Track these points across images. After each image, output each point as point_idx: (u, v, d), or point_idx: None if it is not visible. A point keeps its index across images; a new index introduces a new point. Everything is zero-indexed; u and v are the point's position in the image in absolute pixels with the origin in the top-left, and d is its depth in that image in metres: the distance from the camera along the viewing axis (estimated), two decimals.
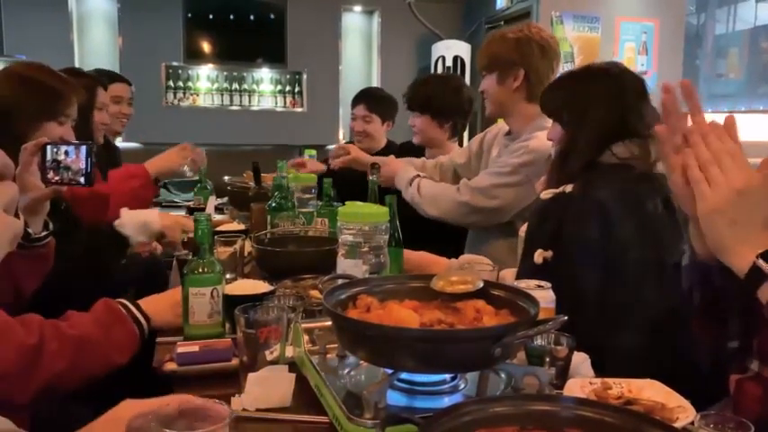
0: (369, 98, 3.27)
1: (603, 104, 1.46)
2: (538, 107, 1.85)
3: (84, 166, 1.32)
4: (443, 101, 2.71)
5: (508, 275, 1.50)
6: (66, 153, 1.33)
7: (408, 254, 1.73)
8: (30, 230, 1.31)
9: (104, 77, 3.06)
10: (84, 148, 1.33)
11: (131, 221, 1.82)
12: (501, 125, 2.27)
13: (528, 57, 2.00)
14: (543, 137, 1.79)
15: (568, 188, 1.40)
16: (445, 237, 2.21)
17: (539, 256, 1.39)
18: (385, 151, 3.12)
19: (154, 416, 0.71)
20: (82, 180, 1.33)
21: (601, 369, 1.08)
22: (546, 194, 1.45)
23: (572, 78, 1.59)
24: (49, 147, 1.33)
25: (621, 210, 1.35)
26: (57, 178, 1.33)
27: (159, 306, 1.31)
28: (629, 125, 1.44)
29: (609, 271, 1.34)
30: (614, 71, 1.51)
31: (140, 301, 1.29)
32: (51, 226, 1.40)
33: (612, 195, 1.36)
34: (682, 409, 0.90)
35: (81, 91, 1.76)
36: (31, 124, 1.60)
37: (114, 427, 0.81)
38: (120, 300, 1.24)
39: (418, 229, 1.94)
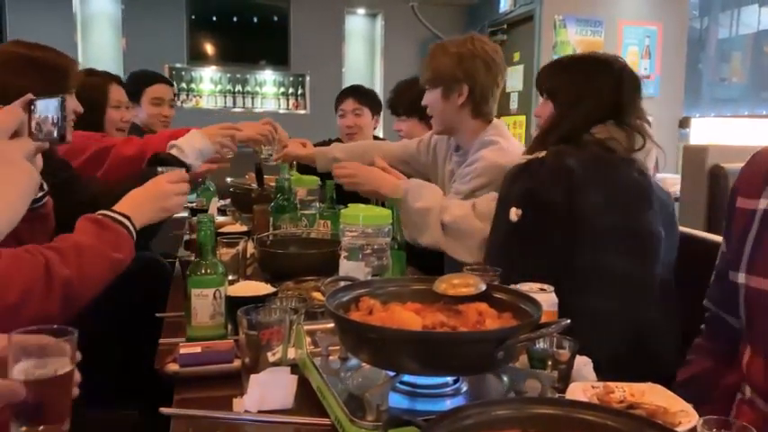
0: (356, 92, 3.22)
1: (600, 95, 1.52)
2: (483, 122, 1.99)
3: (57, 120, 1.30)
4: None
5: None
6: (39, 108, 1.33)
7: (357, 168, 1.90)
8: None
9: (143, 78, 3.04)
10: (54, 101, 1.32)
11: (191, 149, 1.88)
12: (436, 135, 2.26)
13: (472, 73, 1.94)
14: (489, 155, 1.88)
15: (541, 154, 1.48)
16: None
17: (514, 213, 1.45)
18: None
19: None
20: (55, 134, 1.32)
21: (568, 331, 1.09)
22: (521, 159, 1.53)
23: (575, 64, 1.65)
24: (34, 102, 1.33)
25: (589, 176, 1.40)
26: (38, 134, 1.33)
27: (136, 203, 1.35)
28: (617, 111, 1.51)
29: (573, 234, 1.39)
30: (617, 65, 1.57)
31: (118, 204, 1.33)
32: (45, 186, 1.40)
33: (581, 163, 1.42)
34: (684, 414, 0.90)
35: (76, 62, 1.79)
36: None
37: None
38: (98, 212, 1.29)
39: None
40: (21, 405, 0.70)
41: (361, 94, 3.19)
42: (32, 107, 1.26)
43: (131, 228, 1.31)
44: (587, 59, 1.64)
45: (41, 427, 0.74)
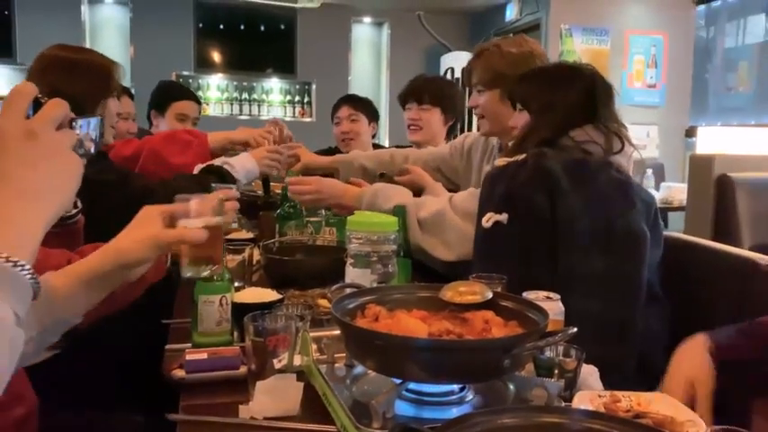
0: (351, 99, 3.20)
1: (572, 96, 1.54)
2: None
3: (95, 138, 1.35)
4: (455, 98, 2.74)
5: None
6: (81, 126, 1.37)
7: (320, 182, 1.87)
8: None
9: (172, 91, 3.04)
10: (93, 120, 1.36)
11: (242, 168, 1.98)
12: (471, 137, 2.24)
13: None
14: None
15: (520, 157, 1.48)
16: None
17: (487, 220, 1.45)
18: None
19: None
20: (92, 150, 1.36)
21: None
22: (500, 162, 1.53)
23: (545, 73, 1.69)
24: (75, 120, 1.36)
25: (570, 179, 1.40)
26: (78, 150, 1.36)
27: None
28: (593, 113, 1.52)
29: (555, 237, 1.39)
30: (587, 71, 1.60)
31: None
32: (79, 204, 1.41)
33: (562, 166, 1.42)
34: (692, 423, 0.89)
35: (118, 64, 1.81)
36: (97, 106, 1.67)
37: (146, 222, 1.01)
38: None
39: None
40: (197, 249, 1.03)
41: (356, 101, 3.18)
42: (73, 125, 1.31)
43: None
44: (557, 68, 1.69)
45: (214, 266, 1.11)
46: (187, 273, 1.08)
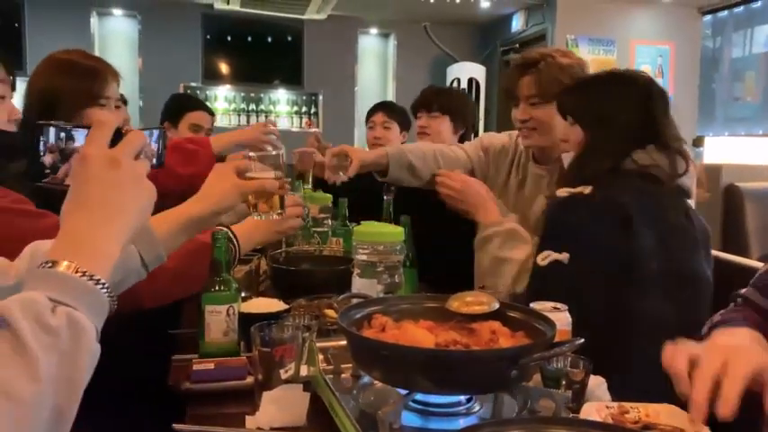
0: (386, 107, 3.26)
1: (630, 109, 1.45)
2: None
3: (158, 149, 1.39)
4: (466, 108, 2.76)
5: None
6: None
7: None
8: None
9: (186, 102, 3.05)
10: (156, 132, 1.42)
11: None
12: (497, 139, 2.11)
13: None
14: None
15: (586, 190, 1.37)
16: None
17: (543, 258, 1.37)
18: None
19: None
20: (155, 161, 1.40)
21: (600, 369, 1.06)
22: (562, 193, 1.41)
23: (598, 81, 1.58)
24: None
25: (643, 218, 1.33)
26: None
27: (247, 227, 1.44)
28: (654, 132, 1.43)
29: (624, 278, 1.32)
30: (642, 78, 1.51)
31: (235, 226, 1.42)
32: None
33: (634, 202, 1.33)
34: None
35: (117, 72, 1.70)
36: (73, 113, 1.54)
37: (223, 177, 1.20)
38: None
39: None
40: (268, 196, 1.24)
41: (390, 109, 3.24)
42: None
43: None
44: (610, 76, 1.57)
45: (280, 211, 1.28)
46: (259, 217, 1.29)
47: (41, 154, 0.77)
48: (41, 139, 0.77)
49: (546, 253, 1.37)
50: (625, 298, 1.32)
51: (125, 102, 2.95)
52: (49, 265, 0.62)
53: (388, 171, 1.99)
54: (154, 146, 1.41)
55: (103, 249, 0.66)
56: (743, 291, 1.18)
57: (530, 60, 1.86)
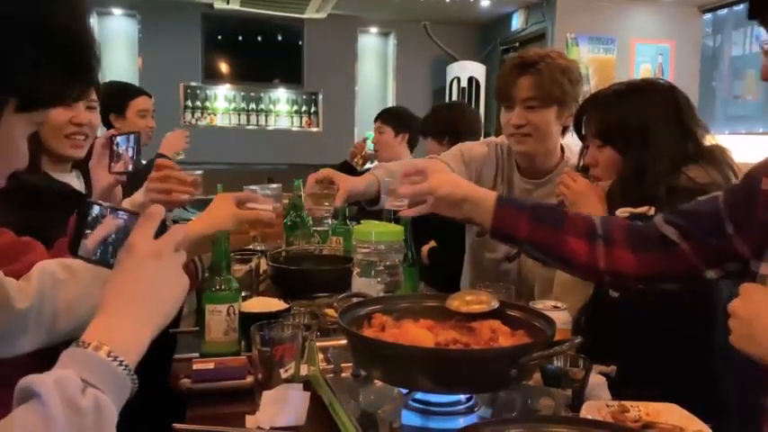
0: (383, 113, 3.51)
1: (663, 124, 1.39)
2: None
3: (132, 155, 1.41)
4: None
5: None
6: (118, 143, 1.42)
7: None
8: None
9: (126, 90, 3.07)
10: (132, 137, 1.43)
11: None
12: (476, 151, 1.92)
13: (579, 89, 1.79)
14: None
15: (651, 211, 1.30)
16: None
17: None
18: None
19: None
20: (130, 168, 1.41)
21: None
22: (622, 213, 1.33)
23: (621, 97, 1.47)
24: (115, 137, 1.44)
25: None
26: (117, 168, 1.41)
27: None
28: (694, 142, 1.39)
29: (694, 304, 1.26)
30: (663, 85, 1.46)
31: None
32: None
33: None
34: None
35: None
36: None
37: (223, 205, 1.31)
38: None
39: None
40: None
41: (383, 114, 3.50)
42: (113, 141, 1.37)
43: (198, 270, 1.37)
44: (630, 90, 1.47)
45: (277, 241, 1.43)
46: (257, 247, 1.41)
47: (85, 230, 0.82)
48: (88, 213, 0.82)
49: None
50: (695, 321, 1.28)
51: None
52: (86, 346, 0.65)
53: (380, 200, 1.81)
54: (129, 151, 1.42)
55: (137, 340, 0.70)
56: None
57: (528, 61, 1.74)
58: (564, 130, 1.82)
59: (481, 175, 1.90)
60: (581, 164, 1.58)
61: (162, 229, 0.78)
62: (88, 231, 0.82)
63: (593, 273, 1.12)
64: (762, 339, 0.79)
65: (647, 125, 1.39)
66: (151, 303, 0.73)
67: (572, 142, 1.82)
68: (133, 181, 1.56)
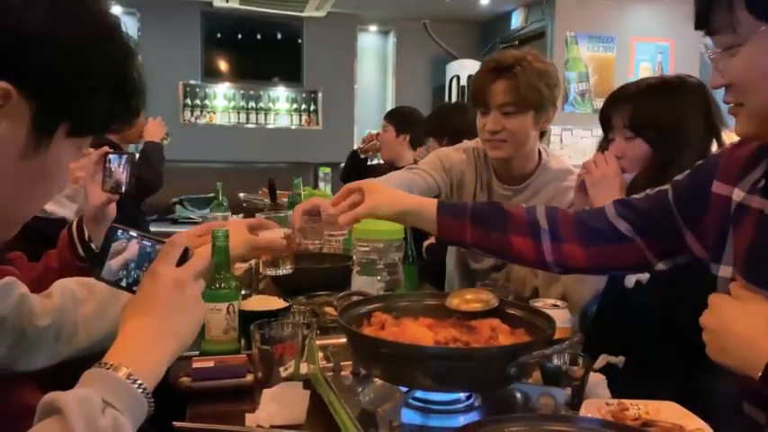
0: (390, 112, 3.64)
1: (694, 121, 1.40)
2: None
3: (125, 175, 1.40)
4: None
5: None
6: (111, 161, 1.42)
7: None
8: (93, 245, 1.34)
9: None
10: (125, 157, 1.42)
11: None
12: (455, 157, 1.87)
13: (557, 92, 1.75)
14: (563, 166, 1.79)
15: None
16: None
17: (629, 278, 1.30)
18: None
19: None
20: (123, 189, 1.41)
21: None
22: None
23: (655, 91, 1.47)
24: (108, 155, 1.43)
25: None
26: (109, 185, 1.41)
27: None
28: (717, 142, 1.41)
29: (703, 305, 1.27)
30: (695, 84, 1.46)
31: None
32: None
33: None
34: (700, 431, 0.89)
35: None
36: None
37: (236, 231, 1.27)
38: None
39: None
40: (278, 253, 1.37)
41: (389, 113, 3.63)
42: (107, 160, 1.37)
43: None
44: (662, 85, 1.47)
45: (288, 266, 1.40)
46: (269, 272, 1.41)
47: (108, 256, 0.84)
48: (113, 238, 0.85)
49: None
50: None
51: None
52: (108, 367, 0.68)
53: None
54: (122, 170, 1.41)
55: (156, 364, 0.73)
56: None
57: (503, 64, 1.70)
58: (541, 135, 1.79)
59: (462, 182, 1.86)
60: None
61: (184, 257, 0.80)
62: (112, 256, 0.84)
63: (542, 265, 1.16)
64: (734, 351, 0.79)
65: (679, 121, 1.41)
66: (171, 329, 0.76)
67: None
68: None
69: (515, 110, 1.69)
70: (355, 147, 4.03)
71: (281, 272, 1.39)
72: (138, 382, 0.68)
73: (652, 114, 1.44)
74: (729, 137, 1.43)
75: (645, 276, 1.29)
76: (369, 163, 3.75)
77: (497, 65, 1.71)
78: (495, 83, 1.70)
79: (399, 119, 3.42)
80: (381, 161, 3.69)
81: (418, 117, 3.39)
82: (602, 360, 1.18)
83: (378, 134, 3.64)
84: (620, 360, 1.18)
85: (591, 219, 1.13)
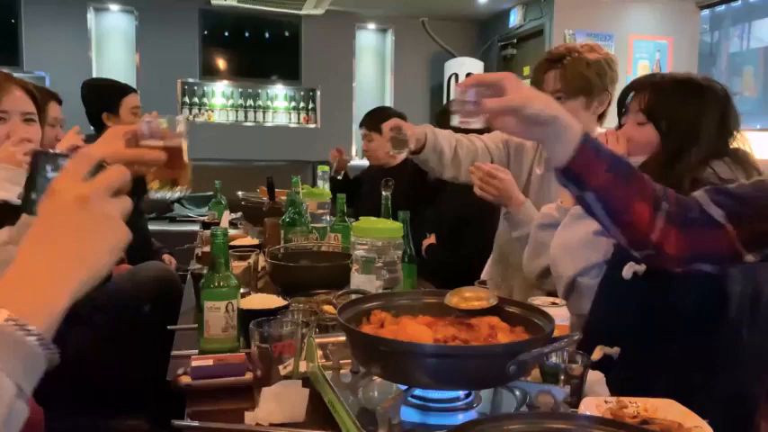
0: (366, 119, 3.39)
1: (711, 122, 1.42)
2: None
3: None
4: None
5: None
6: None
7: None
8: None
9: (115, 88, 3.01)
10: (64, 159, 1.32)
11: None
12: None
13: (613, 80, 1.92)
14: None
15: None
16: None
17: (629, 269, 1.30)
18: (402, 167, 3.15)
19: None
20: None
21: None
22: None
23: (681, 85, 1.48)
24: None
25: None
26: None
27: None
28: (726, 136, 1.42)
29: (714, 302, 1.26)
30: (718, 88, 1.46)
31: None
32: None
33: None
34: (699, 430, 0.89)
35: (22, 81, 1.57)
36: None
37: (111, 141, 0.98)
38: None
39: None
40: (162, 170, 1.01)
41: (369, 120, 3.35)
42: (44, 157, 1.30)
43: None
44: (689, 83, 1.48)
45: (181, 188, 1.05)
46: (155, 195, 1.05)
47: (35, 182, 0.73)
48: (39, 167, 0.74)
49: (629, 265, 1.30)
50: (704, 314, 1.28)
51: (59, 101, 2.76)
52: None
53: (424, 149, 1.90)
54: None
55: (51, 300, 0.58)
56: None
57: (556, 55, 1.90)
58: (599, 118, 1.94)
59: (519, 157, 2.04)
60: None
61: (98, 171, 0.67)
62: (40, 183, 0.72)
63: (641, 242, 1.02)
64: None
65: (695, 120, 1.41)
66: (72, 255, 0.62)
67: None
68: None
69: (565, 95, 1.87)
70: (353, 147, 3.99)
71: (168, 195, 1.07)
72: (26, 325, 0.54)
73: (669, 105, 1.45)
74: (740, 139, 1.44)
75: (641, 268, 1.29)
76: (351, 177, 3.57)
77: (549, 56, 1.92)
78: (547, 73, 1.90)
79: (378, 121, 3.21)
80: (366, 166, 3.56)
81: (392, 113, 3.31)
82: (599, 351, 1.17)
83: (338, 149, 3.48)
84: (615, 351, 1.18)
85: (684, 202, 1.05)
